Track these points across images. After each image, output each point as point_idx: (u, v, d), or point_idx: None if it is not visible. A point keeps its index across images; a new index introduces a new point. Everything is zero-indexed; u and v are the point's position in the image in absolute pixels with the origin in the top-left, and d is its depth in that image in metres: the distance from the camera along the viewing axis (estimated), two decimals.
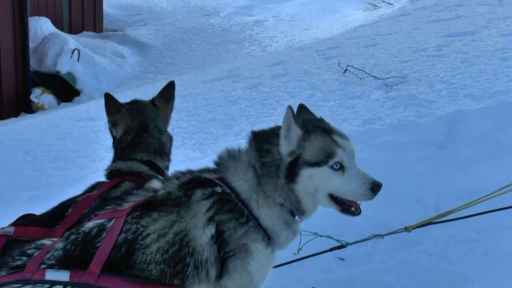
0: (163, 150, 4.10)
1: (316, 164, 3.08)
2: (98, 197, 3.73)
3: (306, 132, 3.13)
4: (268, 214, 3.15)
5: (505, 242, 4.98)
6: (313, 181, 3.10)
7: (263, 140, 3.21)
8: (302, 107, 3.47)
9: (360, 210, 3.20)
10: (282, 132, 3.11)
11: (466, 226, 5.25)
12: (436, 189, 5.67)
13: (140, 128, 4.07)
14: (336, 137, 3.15)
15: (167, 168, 4.16)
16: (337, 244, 4.27)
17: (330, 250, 4.31)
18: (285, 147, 3.11)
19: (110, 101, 4.07)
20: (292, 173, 3.10)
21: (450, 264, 4.82)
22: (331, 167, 3.07)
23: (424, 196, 5.65)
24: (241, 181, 3.17)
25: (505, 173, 5.51)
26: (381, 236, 4.14)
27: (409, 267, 4.84)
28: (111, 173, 3.99)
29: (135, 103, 4.21)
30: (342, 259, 5.07)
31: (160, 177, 3.86)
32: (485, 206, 4.75)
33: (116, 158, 4.08)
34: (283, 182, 3.12)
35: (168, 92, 4.22)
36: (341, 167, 3.09)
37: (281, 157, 3.13)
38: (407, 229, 4.27)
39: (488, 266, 4.70)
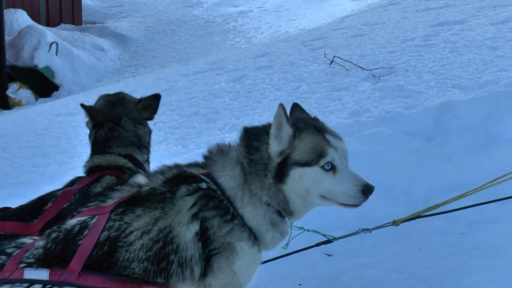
0: (140, 143, 4.11)
1: (306, 164, 3.06)
2: (78, 192, 3.76)
3: (297, 130, 3.11)
4: (252, 213, 3.14)
5: (494, 235, 5.02)
6: (303, 182, 3.07)
7: (253, 137, 3.20)
8: (296, 106, 3.46)
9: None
10: (272, 131, 3.10)
11: (455, 220, 5.29)
12: (424, 182, 5.71)
13: (112, 122, 4.12)
14: (328, 137, 3.13)
15: (147, 161, 4.18)
16: (324, 239, 4.28)
17: (317, 245, 4.31)
18: (275, 146, 3.10)
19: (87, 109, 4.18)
20: (281, 173, 3.09)
21: (438, 258, 4.86)
22: (322, 167, 3.05)
23: (412, 189, 5.69)
24: (227, 177, 3.16)
25: (495, 164, 5.55)
26: (368, 230, 4.15)
27: (397, 262, 4.86)
28: (91, 169, 4.00)
29: (117, 95, 4.24)
30: (329, 255, 5.09)
31: (140, 170, 3.90)
32: (475, 198, 4.79)
33: (93, 153, 4.11)
34: (271, 181, 3.11)
35: (154, 105, 4.25)
36: (333, 168, 3.06)
37: (270, 157, 3.11)
38: (395, 223, 4.29)
39: (477, 259, 4.74)
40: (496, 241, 4.96)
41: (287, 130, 3.09)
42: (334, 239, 4.08)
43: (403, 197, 5.58)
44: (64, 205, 3.68)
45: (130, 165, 3.97)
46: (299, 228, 3.91)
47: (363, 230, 4.11)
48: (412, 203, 5.40)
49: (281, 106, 3.08)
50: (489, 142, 5.99)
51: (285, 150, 3.09)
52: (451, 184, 5.53)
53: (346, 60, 8.76)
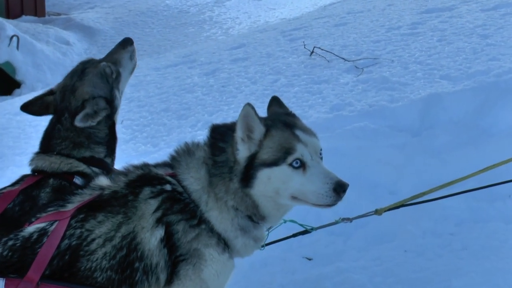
0: (90, 141, 3.98)
1: (274, 163, 3.01)
2: (20, 192, 3.71)
3: (266, 127, 3.07)
4: (218, 218, 3.10)
5: (485, 235, 5.05)
6: (271, 183, 3.03)
7: (219, 137, 3.17)
8: (274, 99, 3.43)
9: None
10: (238, 134, 3.05)
11: (444, 219, 5.32)
12: (411, 180, 5.71)
13: (56, 115, 4.02)
14: (298, 132, 3.09)
15: (107, 156, 4.05)
16: (299, 231, 4.23)
17: (294, 235, 4.26)
18: (245, 151, 3.05)
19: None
20: (247, 176, 3.05)
21: (426, 261, 4.87)
22: (290, 164, 3.00)
23: (398, 187, 5.69)
24: (192, 179, 3.13)
25: (486, 159, 5.51)
26: (349, 219, 4.12)
27: (382, 266, 4.87)
28: (34, 171, 3.94)
29: (78, 79, 4.03)
30: (309, 259, 5.10)
31: (95, 169, 3.84)
32: (464, 193, 4.83)
33: (40, 149, 4.02)
34: (237, 186, 3.07)
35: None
36: (302, 165, 3.02)
37: (237, 160, 3.07)
38: (377, 212, 4.29)
39: (467, 261, 4.76)
40: (487, 241, 4.99)
41: (260, 130, 3.05)
42: (313, 229, 4.03)
43: (388, 196, 5.57)
44: (8, 206, 3.66)
45: (79, 168, 3.88)
46: None
47: (343, 219, 4.07)
48: (398, 201, 5.40)
49: (250, 106, 3.02)
50: (479, 136, 6.02)
51: (254, 152, 3.05)
52: (439, 181, 5.47)
53: (327, 51, 8.75)
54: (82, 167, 3.89)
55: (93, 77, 4.03)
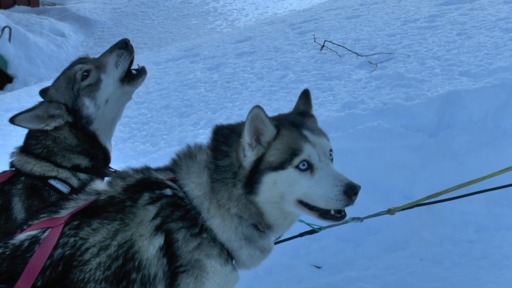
0: (61, 147, 3.87)
1: (280, 166, 2.98)
2: None
3: (277, 129, 3.05)
4: (221, 226, 3.08)
5: (507, 243, 5.03)
6: (277, 188, 3.00)
7: (222, 140, 3.15)
8: (305, 93, 3.39)
9: (344, 214, 3.05)
10: (246, 140, 3.03)
11: (462, 226, 5.30)
12: (427, 183, 5.69)
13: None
14: (305, 132, 3.07)
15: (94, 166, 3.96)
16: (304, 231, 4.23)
17: (300, 235, 4.26)
18: (252, 157, 3.04)
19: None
20: (251, 181, 3.02)
21: (443, 270, 4.86)
22: (297, 167, 2.97)
23: (413, 192, 5.67)
24: (193, 185, 3.11)
25: (507, 162, 5.52)
26: (360, 219, 4.11)
27: (395, 275, 4.86)
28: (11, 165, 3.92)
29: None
30: (318, 268, 5.09)
31: (83, 176, 3.83)
32: (483, 197, 4.86)
33: (23, 145, 3.97)
34: (240, 192, 3.05)
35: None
36: (310, 167, 2.99)
37: (242, 165, 3.05)
38: (390, 211, 4.29)
39: (487, 271, 4.75)
40: (509, 250, 4.98)
41: (271, 132, 3.03)
42: (321, 228, 4.03)
43: (402, 200, 5.54)
44: None
45: (53, 173, 3.81)
46: None
47: (353, 219, 4.05)
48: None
49: (259, 108, 2.99)
50: (501, 137, 5.99)
51: (260, 155, 3.03)
52: (457, 184, 5.52)
53: (339, 45, 8.77)
54: (56, 172, 3.82)
55: (62, 79, 3.93)
